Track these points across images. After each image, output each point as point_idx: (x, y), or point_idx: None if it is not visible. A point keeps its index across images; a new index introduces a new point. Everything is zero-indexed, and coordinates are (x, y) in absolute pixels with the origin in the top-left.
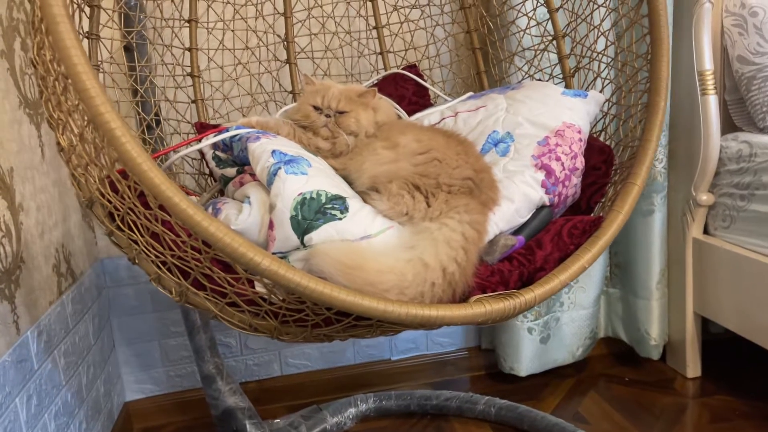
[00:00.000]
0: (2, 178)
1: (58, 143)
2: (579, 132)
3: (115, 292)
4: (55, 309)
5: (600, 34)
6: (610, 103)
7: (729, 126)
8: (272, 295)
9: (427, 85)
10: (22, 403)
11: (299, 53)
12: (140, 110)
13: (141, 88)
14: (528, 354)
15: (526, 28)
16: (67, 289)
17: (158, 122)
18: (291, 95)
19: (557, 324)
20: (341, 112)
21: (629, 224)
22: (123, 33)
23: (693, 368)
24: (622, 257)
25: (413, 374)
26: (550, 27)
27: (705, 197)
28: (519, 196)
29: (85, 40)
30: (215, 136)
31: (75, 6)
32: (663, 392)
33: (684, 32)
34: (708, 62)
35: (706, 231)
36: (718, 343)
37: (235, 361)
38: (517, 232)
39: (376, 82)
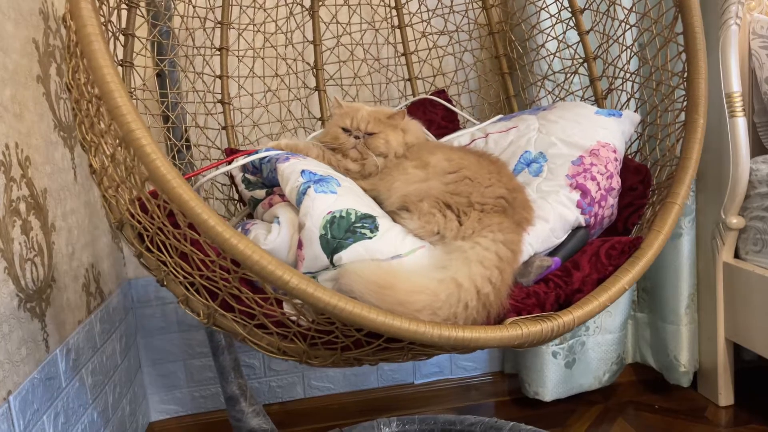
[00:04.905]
0: (36, 198)
1: (91, 165)
2: (614, 151)
3: (141, 312)
4: (84, 328)
5: (633, 54)
6: (645, 124)
7: (758, 148)
8: (301, 317)
9: (456, 109)
10: (50, 420)
11: (328, 80)
12: (171, 136)
13: (173, 115)
14: (553, 378)
15: (556, 51)
16: (95, 309)
17: (188, 148)
18: (320, 122)
19: (582, 348)
20: (370, 134)
21: None
22: (156, 61)
23: (725, 396)
24: (649, 281)
25: (437, 398)
26: (580, 50)
27: (735, 220)
28: (554, 216)
29: (120, 68)
30: (245, 158)
31: (110, 34)
32: (694, 421)
33: (710, 54)
34: (736, 84)
35: (737, 255)
36: (751, 370)
37: (258, 383)
38: (552, 253)
39: (404, 107)
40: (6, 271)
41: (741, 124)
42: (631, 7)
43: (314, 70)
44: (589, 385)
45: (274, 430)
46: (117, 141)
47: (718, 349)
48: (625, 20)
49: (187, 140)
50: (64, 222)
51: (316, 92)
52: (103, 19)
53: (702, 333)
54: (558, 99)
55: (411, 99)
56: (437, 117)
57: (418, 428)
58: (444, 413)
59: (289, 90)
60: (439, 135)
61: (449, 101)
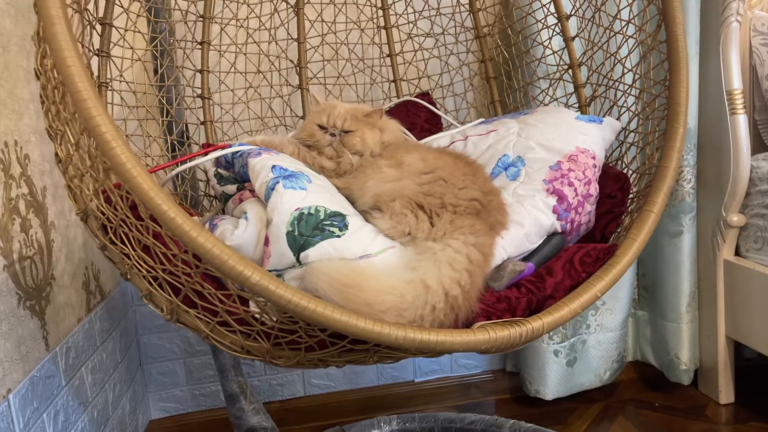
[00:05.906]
0: (35, 196)
1: (56, 154)
2: (593, 158)
3: (141, 310)
4: (84, 326)
5: (617, 61)
6: (627, 131)
7: (759, 146)
8: (264, 315)
9: (439, 112)
10: (50, 418)
11: (311, 79)
12: (148, 131)
13: (148, 107)
14: (554, 377)
15: (542, 57)
16: (95, 307)
17: (165, 141)
18: (302, 120)
19: (584, 347)
20: (347, 131)
21: (657, 245)
22: (135, 52)
23: (726, 394)
24: (650, 279)
25: (437, 396)
26: (566, 56)
27: (736, 218)
28: (529, 220)
29: (96, 58)
30: (217, 152)
31: (86, 23)
32: (695, 419)
33: (711, 52)
34: (737, 81)
35: (737, 253)
36: (752, 368)
37: (258, 381)
38: (526, 258)
39: (388, 109)
40: (6, 270)
41: (742, 122)
42: (616, 15)
43: (297, 68)
44: (591, 383)
45: (274, 428)
46: (81, 128)
47: (719, 347)
48: (610, 27)
49: (164, 133)
50: (63, 220)
51: (299, 90)
52: (78, 7)
53: (702, 331)
54: (542, 105)
55: (395, 100)
56: (420, 120)
57: (418, 426)
58: (444, 411)
59: (271, 87)
60: (421, 138)
61: (433, 104)
